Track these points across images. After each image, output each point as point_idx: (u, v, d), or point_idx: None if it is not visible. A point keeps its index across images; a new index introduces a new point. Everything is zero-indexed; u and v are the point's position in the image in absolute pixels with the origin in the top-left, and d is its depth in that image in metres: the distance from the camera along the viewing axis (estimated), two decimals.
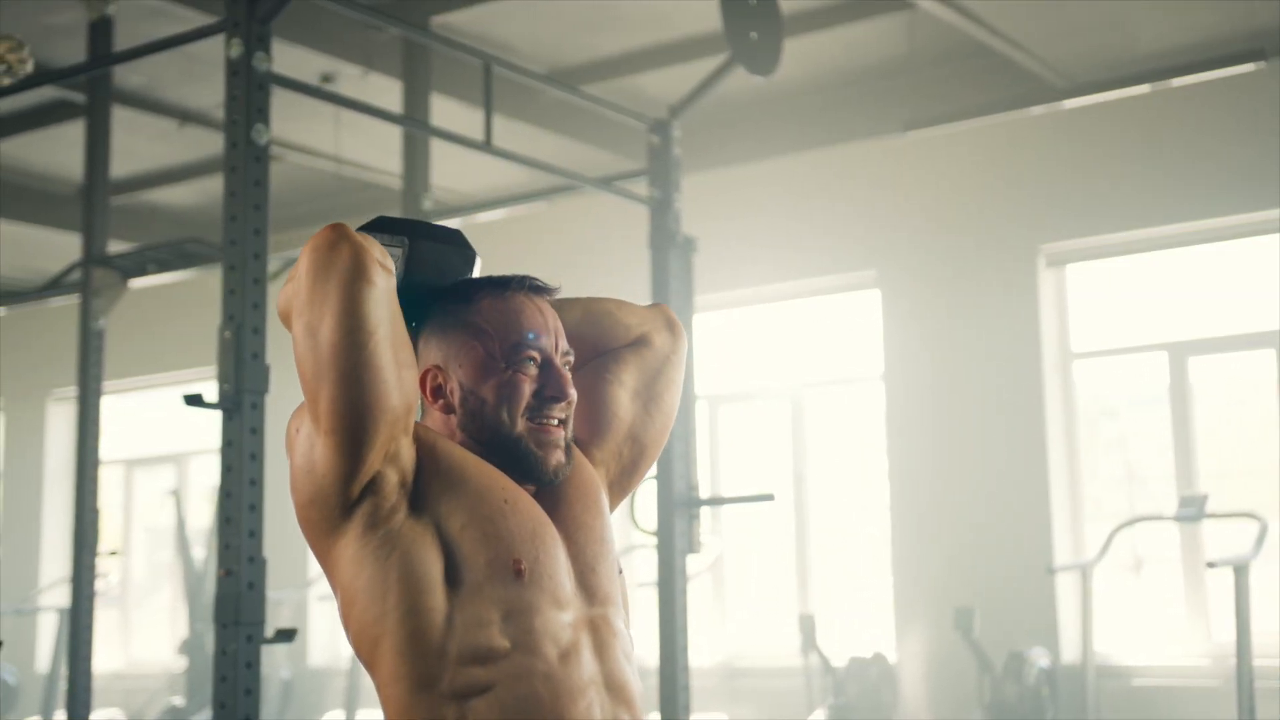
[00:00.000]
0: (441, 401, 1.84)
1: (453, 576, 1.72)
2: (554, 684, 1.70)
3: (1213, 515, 6.32)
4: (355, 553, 1.73)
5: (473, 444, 1.82)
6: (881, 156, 7.56)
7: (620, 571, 1.89)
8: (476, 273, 1.92)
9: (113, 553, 6.16)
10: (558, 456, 1.83)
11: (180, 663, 8.85)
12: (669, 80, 7.07)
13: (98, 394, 5.68)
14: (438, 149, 6.33)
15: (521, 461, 1.82)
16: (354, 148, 7.86)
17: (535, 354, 1.83)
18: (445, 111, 6.78)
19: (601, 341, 2.00)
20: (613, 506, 1.97)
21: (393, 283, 1.72)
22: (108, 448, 10.30)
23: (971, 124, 6.76)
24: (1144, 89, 6.57)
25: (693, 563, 7.44)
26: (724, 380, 8.27)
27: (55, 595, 9.43)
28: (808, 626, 6.94)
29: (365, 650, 1.74)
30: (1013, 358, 7.12)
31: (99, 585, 8.13)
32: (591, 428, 1.97)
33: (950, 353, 7.30)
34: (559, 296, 1.97)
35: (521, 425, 1.81)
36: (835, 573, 7.91)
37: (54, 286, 6.03)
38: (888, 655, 7.10)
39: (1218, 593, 6.63)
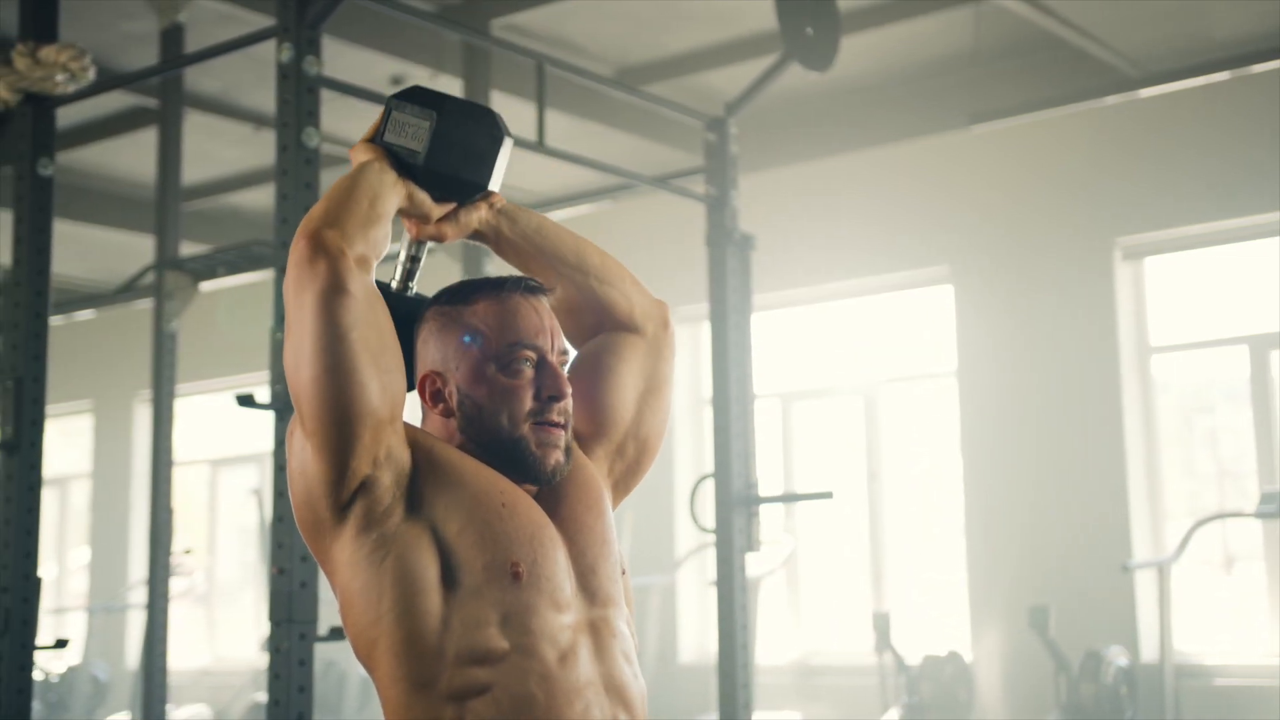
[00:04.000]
0: (441, 405, 1.85)
1: (449, 579, 1.72)
2: (551, 685, 1.71)
3: None
4: (350, 555, 1.74)
5: (472, 446, 1.83)
6: (953, 151, 7.48)
7: (624, 572, 1.88)
8: (504, 156, 1.90)
9: (187, 551, 6.26)
10: (556, 457, 1.83)
11: (264, 660, 8.98)
12: (736, 77, 7.04)
13: (171, 395, 5.78)
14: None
15: (520, 463, 1.82)
16: None
17: (531, 354, 1.83)
18: (510, 111, 6.80)
19: (603, 298, 1.99)
20: (615, 504, 1.97)
21: (371, 280, 1.74)
22: (193, 447, 10.53)
23: (1043, 116, 6.67)
24: (1223, 76, 6.45)
25: (766, 561, 7.44)
26: (797, 377, 8.23)
27: (144, 593, 9.61)
28: (882, 624, 6.89)
29: (363, 652, 1.76)
30: (1089, 353, 7.01)
31: (182, 583, 8.27)
32: (594, 425, 1.96)
33: (1025, 348, 7.20)
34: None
35: (524, 428, 1.81)
36: (910, 570, 7.84)
37: (128, 290, 6.15)
38: (963, 654, 7.02)
39: None
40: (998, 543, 7.17)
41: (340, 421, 1.69)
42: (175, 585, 8.51)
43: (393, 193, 1.81)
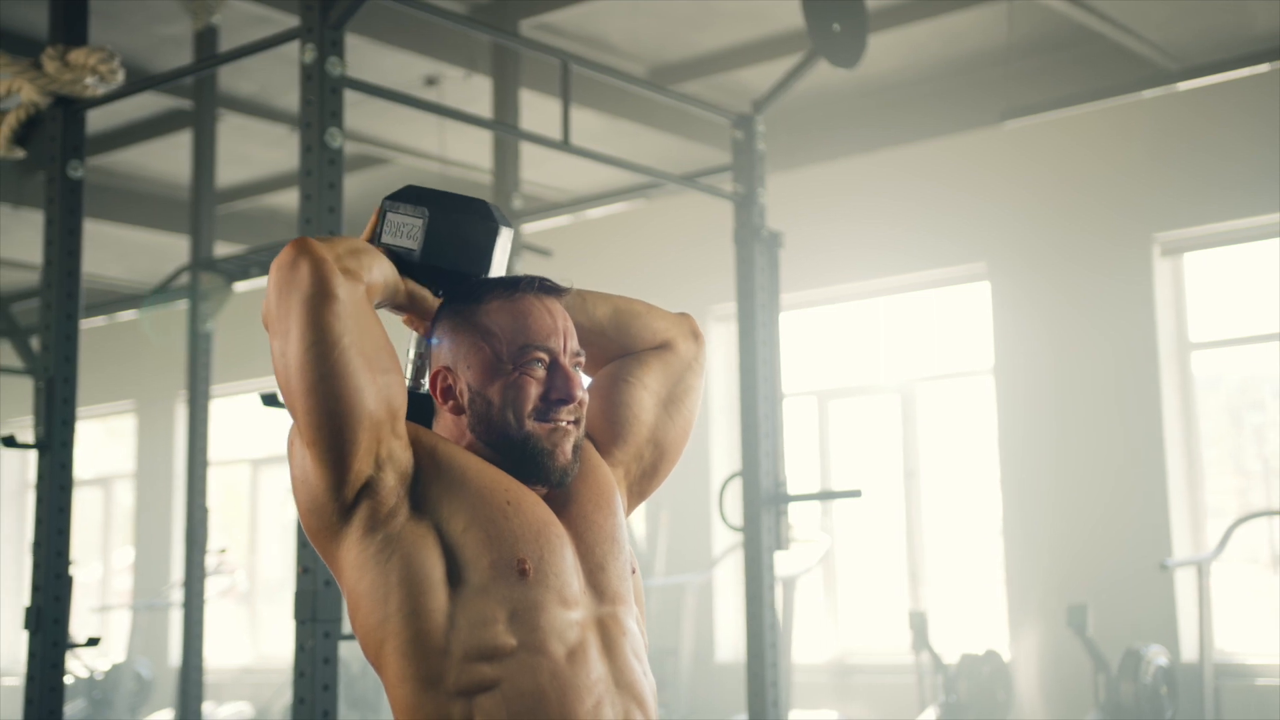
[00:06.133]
0: (451, 403, 1.84)
1: (455, 578, 1.73)
2: (561, 681, 1.71)
3: None
4: (356, 557, 1.74)
5: (481, 445, 1.82)
6: (990, 147, 7.43)
7: (634, 571, 1.88)
8: (502, 246, 1.90)
9: (222, 550, 6.30)
10: (564, 458, 1.82)
11: None
12: (770, 74, 7.03)
13: (206, 395, 5.82)
14: (536, 148, 6.36)
15: (528, 463, 1.81)
16: (458, 149, 7.95)
17: (543, 355, 1.82)
18: (541, 110, 6.82)
19: (627, 342, 1.99)
20: (630, 509, 1.96)
21: (359, 290, 1.73)
22: (235, 447, 10.59)
23: (1079, 112, 6.61)
24: (1262, 69, 6.37)
25: (802, 559, 7.41)
26: (834, 375, 8.21)
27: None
28: (919, 623, 6.85)
29: (372, 653, 1.76)
30: (1127, 350, 6.95)
31: (223, 582, 8.32)
32: (613, 429, 1.96)
33: (1062, 345, 7.15)
34: (590, 290, 1.99)
35: (529, 426, 1.81)
36: (947, 569, 7.80)
37: (163, 290, 6.19)
38: (1001, 653, 6.97)
39: None
40: (1036, 541, 7.12)
41: (338, 429, 1.69)
42: (216, 584, 8.58)
43: (390, 269, 1.81)
